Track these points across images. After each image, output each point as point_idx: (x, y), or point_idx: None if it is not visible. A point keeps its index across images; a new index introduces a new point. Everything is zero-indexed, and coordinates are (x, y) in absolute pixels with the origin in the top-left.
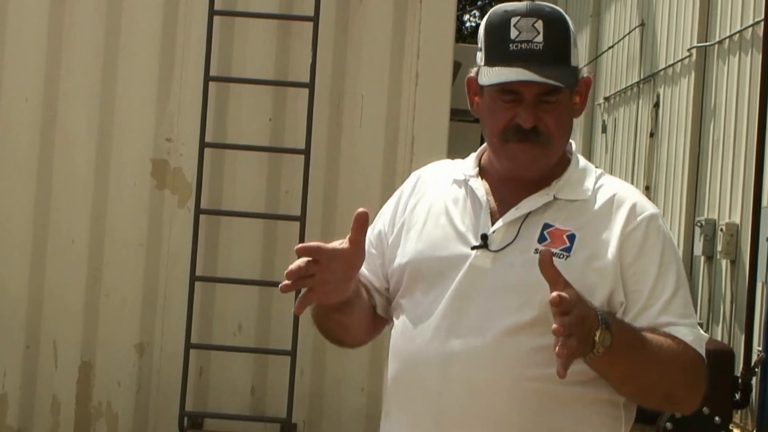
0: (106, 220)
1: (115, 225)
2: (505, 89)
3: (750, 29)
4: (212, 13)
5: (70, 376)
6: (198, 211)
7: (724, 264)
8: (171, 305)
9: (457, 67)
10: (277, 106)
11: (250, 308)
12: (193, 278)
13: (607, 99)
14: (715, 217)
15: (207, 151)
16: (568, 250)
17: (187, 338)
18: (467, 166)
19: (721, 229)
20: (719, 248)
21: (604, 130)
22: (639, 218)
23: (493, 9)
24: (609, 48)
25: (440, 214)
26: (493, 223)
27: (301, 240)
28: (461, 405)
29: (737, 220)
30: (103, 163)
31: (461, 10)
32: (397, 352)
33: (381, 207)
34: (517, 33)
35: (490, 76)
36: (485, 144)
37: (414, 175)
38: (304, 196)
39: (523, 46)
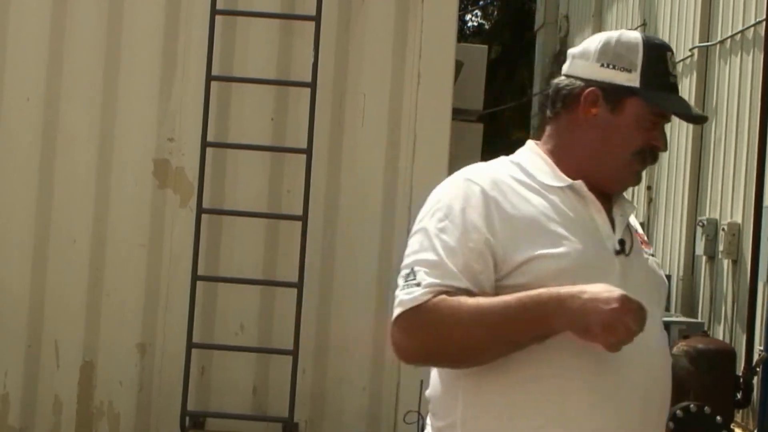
0: (108, 220)
1: (117, 225)
2: (658, 114)
3: (752, 29)
4: (214, 12)
5: (71, 376)
6: (200, 210)
7: (726, 264)
8: (173, 305)
9: (459, 66)
10: (279, 106)
11: (252, 308)
12: (195, 278)
13: None
14: (717, 216)
15: (209, 150)
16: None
17: (189, 338)
18: (543, 172)
19: (723, 229)
20: (721, 248)
21: None
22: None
23: (646, 37)
24: None
25: (557, 218)
26: (614, 230)
27: (303, 239)
28: (658, 401)
29: (739, 220)
30: (105, 163)
31: (463, 9)
32: (582, 354)
33: (383, 206)
34: (672, 67)
35: (671, 102)
36: (531, 150)
37: (471, 185)
38: (306, 195)
39: (674, 80)
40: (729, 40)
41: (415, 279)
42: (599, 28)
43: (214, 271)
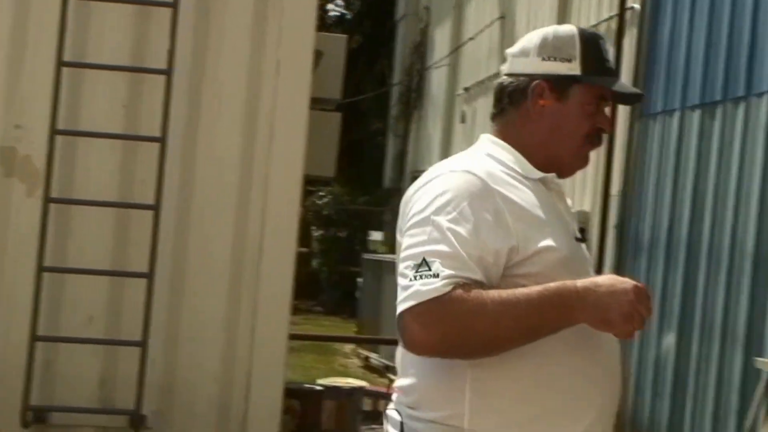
0: None
1: None
2: (601, 97)
3: (605, 23)
4: None
5: None
6: (47, 199)
7: None
8: (17, 296)
9: (319, 55)
10: (133, 94)
11: (101, 299)
12: (41, 269)
13: (466, 89)
14: None
15: (59, 138)
16: None
17: (33, 330)
18: (519, 165)
19: None
20: None
21: (463, 120)
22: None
23: (579, 28)
24: (470, 39)
25: (542, 209)
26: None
27: (155, 229)
28: (620, 380)
29: (587, 209)
30: None
31: None
32: (576, 339)
33: (238, 196)
34: (606, 53)
35: (612, 84)
36: (497, 144)
37: (473, 178)
38: (159, 184)
39: (610, 65)
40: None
41: (430, 270)
42: (459, 19)
43: (62, 261)
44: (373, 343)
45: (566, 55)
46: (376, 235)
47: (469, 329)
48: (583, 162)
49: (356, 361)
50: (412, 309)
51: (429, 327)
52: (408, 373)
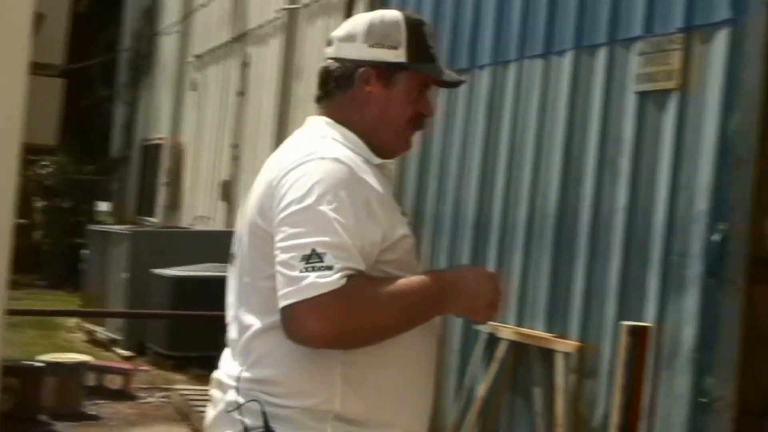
0: None
1: None
2: (426, 83)
3: None
4: None
5: None
6: None
7: None
8: None
9: (41, 18)
10: None
11: None
12: None
13: (198, 57)
14: None
15: None
16: None
17: None
18: (364, 150)
19: None
20: None
21: (195, 87)
22: None
23: (405, 14)
24: (201, 6)
25: (388, 195)
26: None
27: None
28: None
29: None
30: None
31: None
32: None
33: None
34: (431, 39)
35: (436, 70)
36: (337, 128)
37: (344, 167)
38: None
39: (434, 51)
40: (314, 3)
41: (322, 261)
42: None
43: None
44: (99, 317)
45: (393, 42)
46: (102, 206)
47: (365, 321)
48: (407, 145)
49: (81, 336)
50: (309, 301)
51: (326, 320)
52: (265, 364)
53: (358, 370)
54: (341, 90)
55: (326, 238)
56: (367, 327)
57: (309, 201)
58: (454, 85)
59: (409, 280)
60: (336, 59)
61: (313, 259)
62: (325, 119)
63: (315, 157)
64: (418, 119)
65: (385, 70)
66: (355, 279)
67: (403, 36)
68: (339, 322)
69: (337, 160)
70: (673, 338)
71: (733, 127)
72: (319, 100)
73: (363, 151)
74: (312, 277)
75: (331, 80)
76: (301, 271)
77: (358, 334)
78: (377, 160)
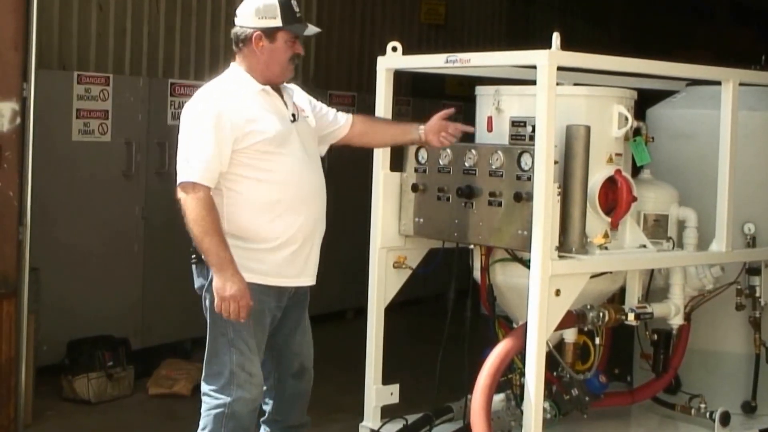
0: None
1: None
2: (296, 36)
3: None
4: None
5: None
6: None
7: None
8: None
9: None
10: None
11: None
12: None
13: None
14: None
15: None
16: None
17: None
18: (246, 82)
19: None
20: None
21: None
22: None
23: None
24: None
25: (259, 107)
26: (287, 108)
27: None
28: (321, 204)
29: None
30: None
31: None
32: (287, 185)
33: None
34: (296, 8)
35: (306, 29)
36: (236, 70)
37: (212, 111)
38: None
39: (300, 16)
40: None
41: (192, 166)
42: None
43: None
44: None
45: (272, 14)
46: None
47: (193, 221)
48: (290, 73)
49: None
50: (188, 183)
51: (187, 196)
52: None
53: (235, 202)
54: (246, 46)
55: (200, 154)
56: (192, 224)
57: (194, 128)
58: (312, 36)
59: (220, 237)
60: (240, 26)
61: (191, 161)
62: (234, 65)
63: (202, 93)
64: (295, 56)
65: (269, 32)
66: (207, 189)
67: (278, 10)
68: (190, 204)
69: (211, 94)
70: None
71: None
72: (236, 54)
73: (248, 82)
74: (188, 168)
75: (239, 41)
76: (184, 166)
77: (189, 223)
78: (258, 87)
